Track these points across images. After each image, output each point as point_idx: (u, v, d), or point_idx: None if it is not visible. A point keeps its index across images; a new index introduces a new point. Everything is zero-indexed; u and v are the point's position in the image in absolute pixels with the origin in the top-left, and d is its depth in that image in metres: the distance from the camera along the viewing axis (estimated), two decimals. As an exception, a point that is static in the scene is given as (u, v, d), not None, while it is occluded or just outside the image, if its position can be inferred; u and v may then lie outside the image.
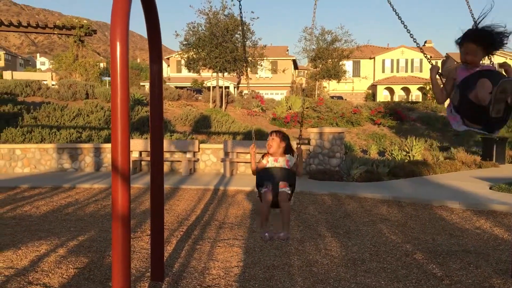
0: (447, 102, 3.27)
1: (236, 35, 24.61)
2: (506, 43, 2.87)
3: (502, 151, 14.90)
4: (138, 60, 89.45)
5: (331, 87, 49.42)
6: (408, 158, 14.50)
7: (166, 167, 12.87)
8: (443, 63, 54.74)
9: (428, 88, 43.70)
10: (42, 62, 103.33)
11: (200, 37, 24.66)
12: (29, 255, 5.08)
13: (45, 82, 25.42)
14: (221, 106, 25.14)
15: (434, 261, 4.95)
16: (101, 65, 35.28)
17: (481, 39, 2.91)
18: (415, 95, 51.67)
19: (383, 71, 54.61)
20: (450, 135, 23.31)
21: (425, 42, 62.49)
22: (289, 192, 3.86)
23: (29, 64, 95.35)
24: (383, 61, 54.78)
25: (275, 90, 50.54)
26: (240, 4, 3.93)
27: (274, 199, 3.81)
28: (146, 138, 14.64)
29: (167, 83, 42.39)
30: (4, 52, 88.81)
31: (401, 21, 3.78)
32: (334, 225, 6.62)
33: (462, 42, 2.98)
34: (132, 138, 14.15)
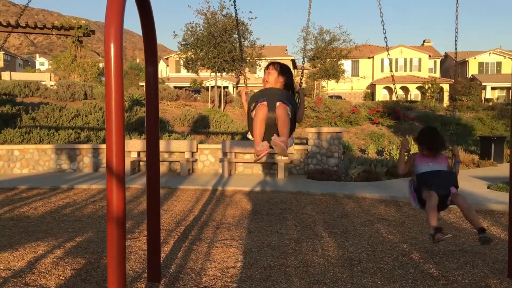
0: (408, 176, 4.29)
1: (234, 35, 24.63)
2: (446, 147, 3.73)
3: (500, 150, 14.91)
4: (138, 60, 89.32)
5: (330, 86, 49.43)
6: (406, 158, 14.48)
7: (164, 167, 12.88)
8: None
9: (426, 87, 43.72)
10: (42, 62, 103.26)
11: (198, 37, 24.68)
12: (26, 256, 5.07)
13: (43, 83, 25.40)
14: (219, 106, 25.15)
15: (430, 261, 4.95)
16: (100, 65, 35.34)
17: (431, 146, 3.82)
18: (414, 94, 51.70)
19: (382, 71, 54.62)
20: (449, 134, 23.34)
21: (424, 41, 62.59)
22: (290, 113, 3.22)
23: (28, 65, 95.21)
24: (382, 60, 54.77)
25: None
26: (235, 4, 3.93)
27: (269, 119, 3.20)
28: (145, 138, 14.63)
29: (166, 83, 42.38)
30: (3, 52, 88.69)
31: (382, 20, 3.95)
32: (331, 225, 6.62)
33: (417, 143, 3.88)
34: (131, 139, 14.16)
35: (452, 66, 60.41)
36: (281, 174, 11.60)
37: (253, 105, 3.32)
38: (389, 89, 53.38)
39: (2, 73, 37.27)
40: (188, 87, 40.75)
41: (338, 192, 9.26)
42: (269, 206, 8.01)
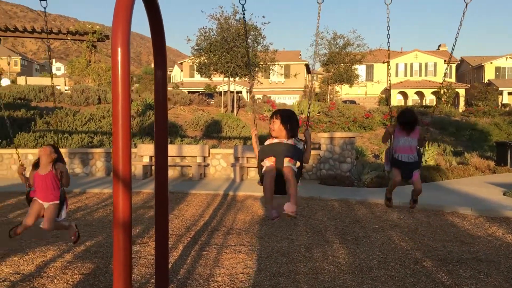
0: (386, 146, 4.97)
1: (248, 40, 24.67)
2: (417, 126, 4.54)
3: (517, 156, 14.62)
4: (152, 65, 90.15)
5: (344, 91, 49.22)
6: (420, 163, 14.31)
7: (176, 172, 12.89)
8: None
9: (442, 92, 43.25)
10: (58, 67, 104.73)
11: (211, 42, 24.78)
12: (36, 261, 5.09)
13: (58, 87, 25.69)
14: (232, 111, 25.18)
15: (443, 269, 4.85)
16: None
17: (406, 125, 4.50)
18: (429, 99, 51.20)
19: (397, 75, 54.20)
20: (464, 139, 23.04)
21: (439, 45, 62.01)
22: (295, 169, 3.47)
23: (44, 70, 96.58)
24: (397, 65, 54.39)
25: (288, 94, 50.46)
26: (243, 9, 3.89)
27: (278, 173, 3.43)
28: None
29: (180, 88, 42.61)
30: (21, 57, 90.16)
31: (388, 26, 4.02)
32: (343, 232, 6.54)
33: (397, 122, 4.60)
34: (143, 143, 14.21)
35: (468, 70, 59.79)
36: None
37: (262, 159, 3.61)
38: (404, 94, 52.96)
39: (18, 77, 37.74)
40: (201, 91, 40.91)
41: (350, 198, 9.17)
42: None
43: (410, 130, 4.53)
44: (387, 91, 53.69)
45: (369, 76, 54.61)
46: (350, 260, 5.18)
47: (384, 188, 10.46)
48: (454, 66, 56.35)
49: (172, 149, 12.58)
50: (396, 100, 52.31)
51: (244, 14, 3.96)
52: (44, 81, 33.28)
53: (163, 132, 4.36)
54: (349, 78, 37.21)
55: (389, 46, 4.39)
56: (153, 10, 3.95)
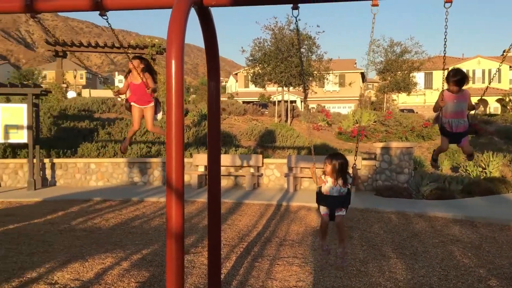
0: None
1: (302, 50, 24.61)
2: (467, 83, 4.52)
3: None
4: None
5: (401, 99, 47.92)
6: (484, 175, 13.62)
7: (230, 181, 13.00)
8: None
9: (507, 100, 41.09)
10: (120, 80, 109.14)
11: (265, 52, 24.93)
12: (95, 268, 5.26)
13: (119, 99, 26.71)
14: (286, 121, 25.13)
15: (511, 289, 4.54)
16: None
17: (458, 82, 4.46)
18: (493, 107, 48.81)
19: (457, 83, 52.01)
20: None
21: (504, 51, 59.09)
22: (344, 213, 4.27)
23: (108, 82, 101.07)
24: (457, 72, 52.23)
25: (343, 103, 49.85)
26: (296, 20, 3.85)
27: (331, 219, 4.29)
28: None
29: (234, 98, 43.15)
30: (86, 71, 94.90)
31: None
32: (400, 246, 6.30)
33: (447, 81, 4.52)
34: (198, 153, 14.46)
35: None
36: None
37: (318, 204, 4.38)
38: (465, 102, 50.75)
39: (83, 90, 39.60)
40: (255, 101, 41.21)
41: (408, 210, 8.84)
42: (334, 224, 7.78)
43: (459, 89, 4.51)
44: (447, 99, 51.65)
45: (428, 84, 52.85)
46: (408, 276, 4.96)
47: (445, 200, 10.05)
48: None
49: (226, 159, 12.71)
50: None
51: (297, 24, 3.93)
52: (107, 93, 34.77)
53: (216, 142, 4.39)
54: (406, 86, 36.20)
55: (445, 53, 4.22)
56: (207, 23, 4.00)
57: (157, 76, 5.52)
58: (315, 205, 4.40)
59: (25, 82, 16.68)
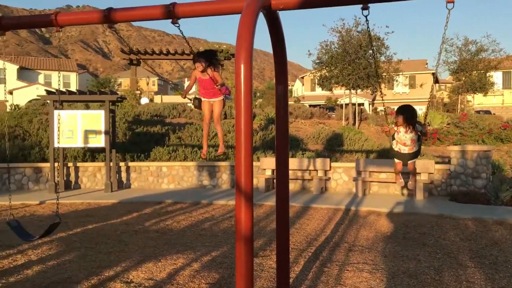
0: None
1: (370, 51, 24.10)
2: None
3: None
4: (274, 81, 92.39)
5: (477, 100, 45.45)
6: None
7: (297, 185, 12.95)
8: None
9: None
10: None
11: (332, 55, 24.66)
12: (167, 268, 5.43)
13: (189, 105, 27.52)
14: (354, 124, 24.69)
15: None
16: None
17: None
18: None
19: (540, 81, 48.64)
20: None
21: None
22: (415, 159, 5.40)
23: (178, 88, 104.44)
24: (540, 70, 48.81)
25: (413, 105, 48.06)
26: (367, 20, 3.77)
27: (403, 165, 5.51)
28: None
29: (301, 102, 43.05)
30: (158, 78, 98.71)
31: None
32: (478, 254, 5.96)
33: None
34: (265, 157, 14.55)
35: None
36: (420, 195, 10.86)
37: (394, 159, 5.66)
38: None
39: (155, 96, 41.14)
40: (322, 105, 40.85)
41: (486, 217, 8.34)
42: (406, 229, 7.52)
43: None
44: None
45: (507, 84, 49.72)
46: (487, 287, 4.68)
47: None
48: None
49: (293, 163, 12.68)
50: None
51: (368, 24, 3.85)
52: (177, 99, 35.92)
53: (284, 146, 4.39)
54: (483, 86, 34.34)
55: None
56: (275, 26, 4.03)
57: (221, 68, 5.67)
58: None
59: (102, 90, 17.62)
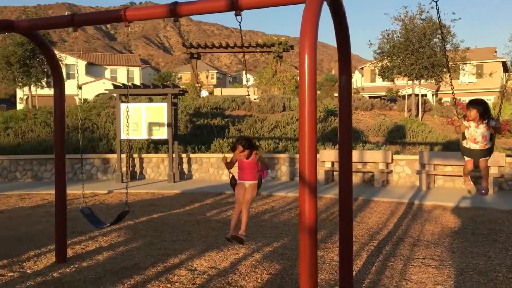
0: None
1: (435, 39, 23.12)
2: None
3: None
4: (333, 72, 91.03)
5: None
6: None
7: (358, 178, 12.73)
8: None
9: None
10: (247, 78, 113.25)
11: (394, 45, 23.89)
12: (229, 257, 5.53)
13: (247, 97, 27.76)
14: (417, 115, 23.85)
15: None
16: (298, 78, 37.04)
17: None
18: None
19: None
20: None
21: None
22: (488, 157, 4.81)
23: (236, 81, 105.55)
24: None
25: (481, 96, 45.75)
26: (436, 4, 3.62)
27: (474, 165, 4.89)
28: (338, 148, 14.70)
29: (360, 93, 42.18)
30: (216, 71, 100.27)
31: None
32: (555, 253, 5.59)
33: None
34: (325, 149, 14.41)
35: None
36: (489, 189, 10.32)
37: (463, 156, 5.01)
38: None
39: (214, 89, 41.86)
40: (383, 96, 39.77)
41: None
42: (475, 225, 7.20)
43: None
44: None
45: None
46: None
47: None
48: None
49: (354, 155, 12.36)
50: None
51: (438, 9, 3.70)
52: (236, 91, 36.34)
53: (347, 137, 4.32)
54: (559, 74, 32.00)
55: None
56: (339, 16, 3.95)
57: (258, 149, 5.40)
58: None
59: (165, 83, 18.13)
